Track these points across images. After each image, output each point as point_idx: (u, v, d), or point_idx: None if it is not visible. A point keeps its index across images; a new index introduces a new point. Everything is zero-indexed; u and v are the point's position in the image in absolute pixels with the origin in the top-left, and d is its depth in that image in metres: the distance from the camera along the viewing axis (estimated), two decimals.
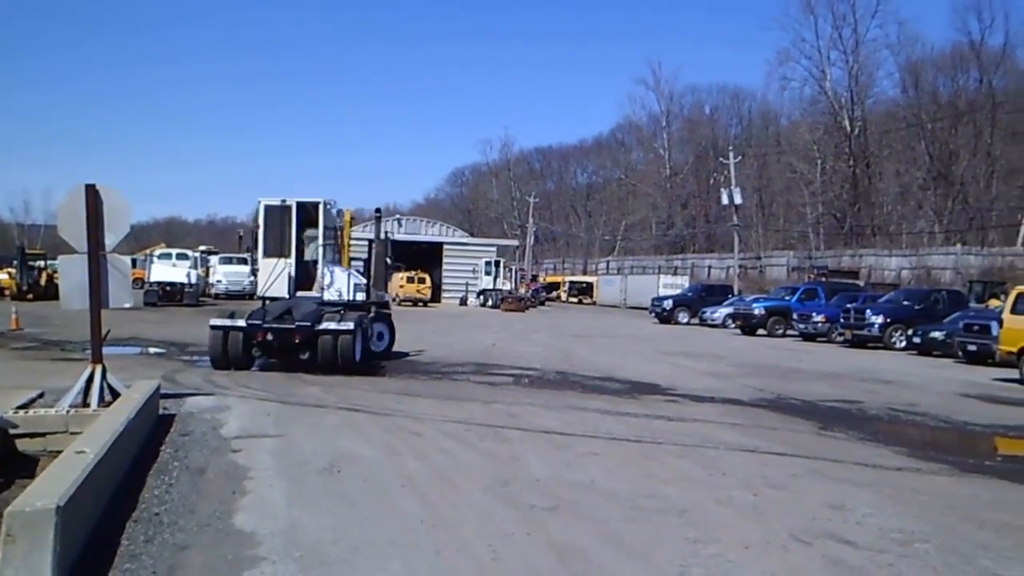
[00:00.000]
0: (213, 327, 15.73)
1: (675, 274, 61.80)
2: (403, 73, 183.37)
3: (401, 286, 49.50)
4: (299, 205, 17.37)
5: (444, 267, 56.04)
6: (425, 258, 54.37)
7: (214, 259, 52.49)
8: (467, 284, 54.56)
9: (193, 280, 39.98)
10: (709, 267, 67.29)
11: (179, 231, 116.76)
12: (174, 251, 45.45)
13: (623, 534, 6.15)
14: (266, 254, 17.48)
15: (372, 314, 18.16)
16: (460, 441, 9.38)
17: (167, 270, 39.90)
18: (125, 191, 10.07)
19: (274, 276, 17.25)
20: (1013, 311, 18.77)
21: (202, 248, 61.58)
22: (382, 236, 20.18)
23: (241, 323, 15.62)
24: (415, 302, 48.99)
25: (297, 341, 15.54)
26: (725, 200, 56.16)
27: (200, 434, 9.12)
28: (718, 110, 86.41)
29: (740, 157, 60.67)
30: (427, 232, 58.39)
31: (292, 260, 17.19)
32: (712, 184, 70.45)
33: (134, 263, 40.47)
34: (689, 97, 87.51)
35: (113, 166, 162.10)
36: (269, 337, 15.62)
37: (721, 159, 61.32)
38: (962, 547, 6.12)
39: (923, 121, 58.37)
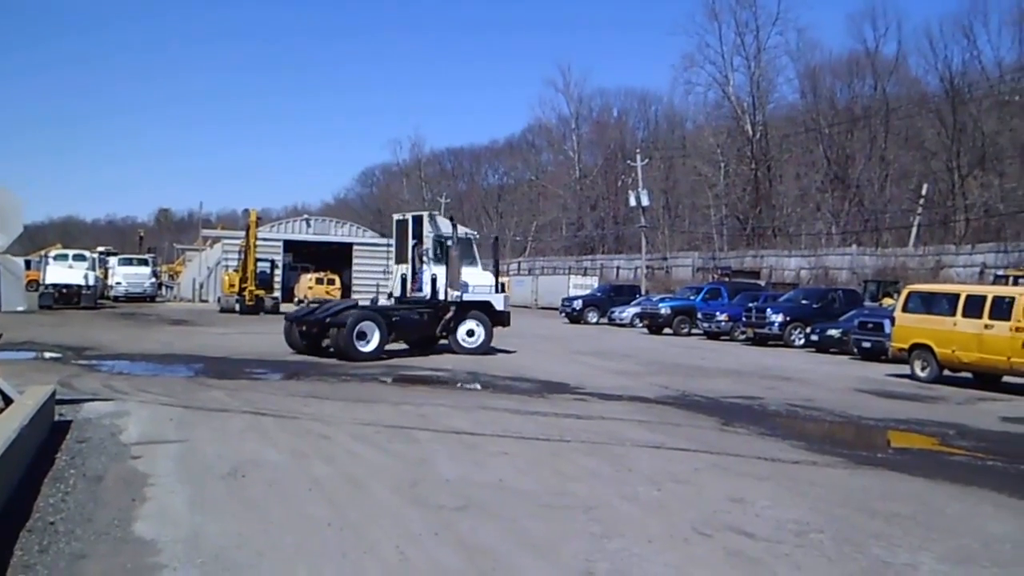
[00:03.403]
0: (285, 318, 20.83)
1: (585, 274, 62.41)
2: (311, 71, 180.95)
3: (310, 287, 48.80)
4: (414, 218, 21.58)
5: (354, 268, 55.35)
6: (335, 259, 53.66)
7: (113, 260, 50.77)
8: (378, 285, 53.94)
9: (91, 282, 38.65)
10: (618, 267, 68.23)
11: (76, 231, 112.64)
12: (71, 252, 43.85)
13: (531, 532, 6.22)
14: (397, 261, 22.08)
15: (450, 313, 20.62)
16: (368, 443, 9.33)
17: (63, 272, 38.50)
18: (17, 189, 9.70)
19: (395, 279, 22.03)
20: (905, 309, 19.56)
21: (100, 249, 59.46)
22: (457, 237, 21.13)
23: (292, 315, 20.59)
24: None
25: (315, 331, 19.35)
26: (633, 202, 57.05)
27: (98, 440, 8.83)
28: (626, 113, 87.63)
29: (647, 160, 61.72)
30: (337, 232, 57.58)
31: (408, 266, 21.45)
32: (620, 186, 71.44)
33: (28, 264, 38.90)
34: (598, 100, 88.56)
35: (5, 164, 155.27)
36: (303, 327, 19.63)
37: (629, 162, 62.25)
38: (855, 536, 6.38)
39: (821, 126, 60.40)
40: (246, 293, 38.37)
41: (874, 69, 61.52)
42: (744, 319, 29.90)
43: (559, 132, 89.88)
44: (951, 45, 58.15)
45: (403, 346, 21.02)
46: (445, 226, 21.40)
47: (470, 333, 20.94)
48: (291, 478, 7.61)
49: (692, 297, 36.21)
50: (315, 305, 21.73)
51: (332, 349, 19.04)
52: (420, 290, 21.15)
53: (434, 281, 20.90)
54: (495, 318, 21.38)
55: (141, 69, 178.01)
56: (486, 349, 20.94)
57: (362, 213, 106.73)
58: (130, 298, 44.86)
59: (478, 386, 15.39)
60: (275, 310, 39.02)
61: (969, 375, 18.30)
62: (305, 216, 64.38)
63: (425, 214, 21.41)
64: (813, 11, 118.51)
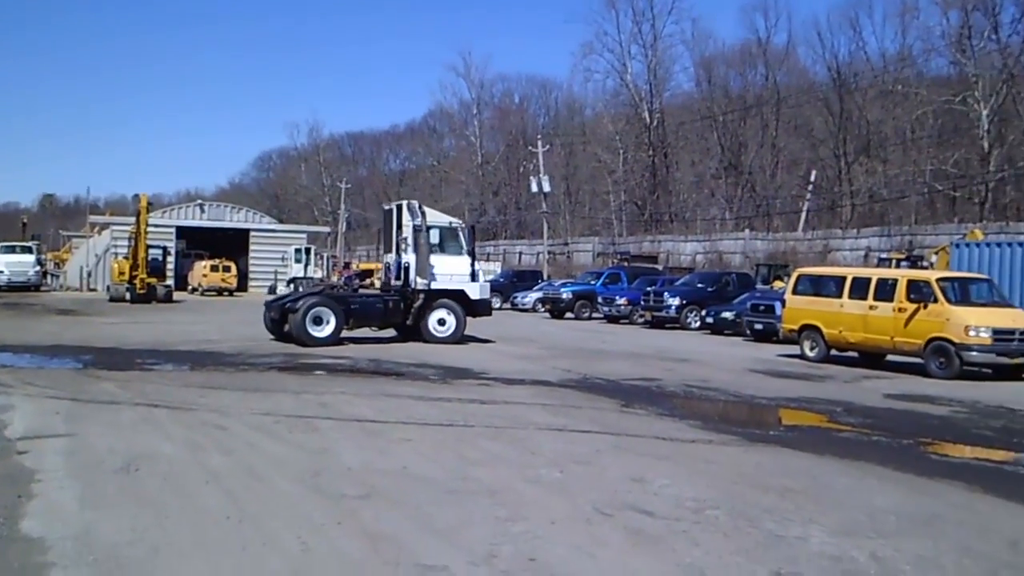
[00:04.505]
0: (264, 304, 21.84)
1: (488, 260, 62.59)
2: (204, 52, 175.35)
3: (204, 275, 47.52)
4: (397, 207, 21.72)
5: (251, 255, 54.14)
6: (231, 245, 52.31)
7: None
8: (276, 272, 52.97)
9: None
10: (520, 253, 68.66)
11: None
12: None
13: (435, 517, 6.22)
14: (385, 250, 22.40)
15: (420, 301, 20.53)
16: (268, 434, 9.15)
17: None
18: None
19: (383, 268, 22.73)
20: (794, 292, 20.26)
21: None
22: (427, 225, 20.84)
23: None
24: (220, 291, 47.10)
25: (279, 317, 19.87)
26: (534, 188, 57.50)
27: None
28: (527, 100, 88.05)
29: (548, 146, 62.20)
30: (232, 218, 56.12)
31: (393, 255, 21.53)
32: (522, 172, 71.82)
33: None
34: (499, 86, 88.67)
35: None
36: (272, 313, 20.31)
37: (530, 148, 62.62)
38: (749, 512, 6.59)
39: (715, 114, 61.96)
40: (137, 281, 37.06)
41: (766, 59, 63.46)
42: (642, 303, 30.50)
43: (461, 117, 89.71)
44: (838, 36, 60.64)
45: (392, 333, 21.39)
46: (431, 215, 21.35)
47: (441, 322, 20.77)
48: (187, 471, 7.40)
49: (593, 282, 36.71)
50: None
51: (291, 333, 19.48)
52: (397, 279, 21.14)
53: (406, 269, 20.79)
54: (470, 307, 21.17)
55: (23, 45, 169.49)
56: (459, 338, 20.74)
57: (259, 198, 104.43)
58: (13, 287, 42.81)
59: (380, 373, 15.26)
60: (168, 298, 37.93)
61: (855, 354, 19.11)
62: (199, 201, 62.60)
63: (404, 203, 21.51)
64: (707, 1, 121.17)
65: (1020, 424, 11.93)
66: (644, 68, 67.48)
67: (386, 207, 23.20)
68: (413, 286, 20.67)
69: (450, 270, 20.96)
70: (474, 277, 21.38)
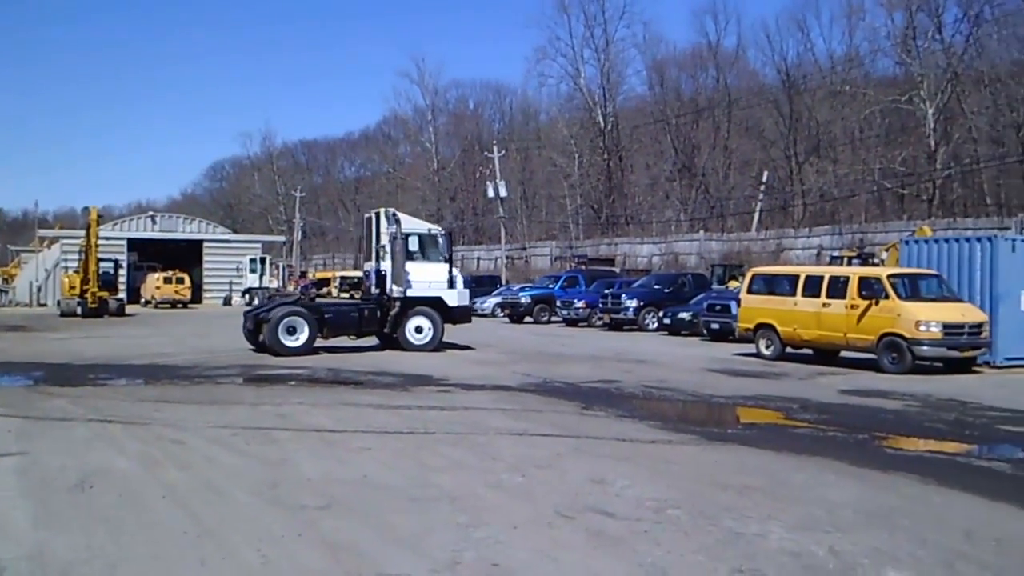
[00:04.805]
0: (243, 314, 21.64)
1: (373, 263, 62.21)
2: (154, 60, 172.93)
3: (157, 287, 46.88)
4: (376, 215, 21.49)
5: (205, 266, 53.39)
6: (184, 257, 51.59)
7: None
8: (231, 283, 52.36)
9: None
10: (478, 258, 68.61)
11: None
12: None
13: (396, 526, 6.18)
14: (365, 258, 22.21)
15: (396, 309, 20.37)
16: (225, 446, 9.03)
17: None
18: None
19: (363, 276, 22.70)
20: (749, 291, 20.50)
21: None
22: (403, 233, 20.58)
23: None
24: (174, 303, 46.46)
25: (254, 327, 19.89)
26: (491, 193, 57.57)
27: None
28: (482, 105, 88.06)
29: (504, 151, 62.31)
30: (185, 229, 55.33)
31: (372, 263, 21.31)
32: (478, 177, 71.85)
33: None
34: (454, 92, 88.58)
35: None
36: (249, 324, 20.23)
37: (486, 153, 62.70)
38: (709, 510, 6.65)
39: (668, 117, 62.51)
40: (88, 295, 36.44)
41: (716, 62, 64.22)
42: (600, 305, 30.66)
43: (416, 124, 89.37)
44: (787, 38, 61.61)
45: (374, 341, 21.41)
46: (407, 222, 21.15)
47: (419, 330, 20.60)
48: (143, 486, 7.28)
49: (551, 285, 36.87)
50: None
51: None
52: (376, 287, 21.02)
53: (383, 277, 20.63)
54: (448, 315, 20.97)
55: None
56: (436, 346, 20.58)
57: (212, 209, 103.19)
58: None
59: (339, 382, 15.13)
60: (120, 312, 37.33)
61: (810, 351, 19.38)
62: (151, 213, 61.71)
63: (383, 211, 21.28)
64: (658, 5, 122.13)
65: (971, 416, 12.18)
66: (597, 72, 67.98)
67: (366, 215, 23.06)
68: (389, 294, 20.53)
69: (427, 277, 20.71)
70: (452, 284, 21.12)
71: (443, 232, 21.89)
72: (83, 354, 19.65)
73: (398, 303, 20.46)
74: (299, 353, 18.98)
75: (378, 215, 21.46)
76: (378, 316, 20.59)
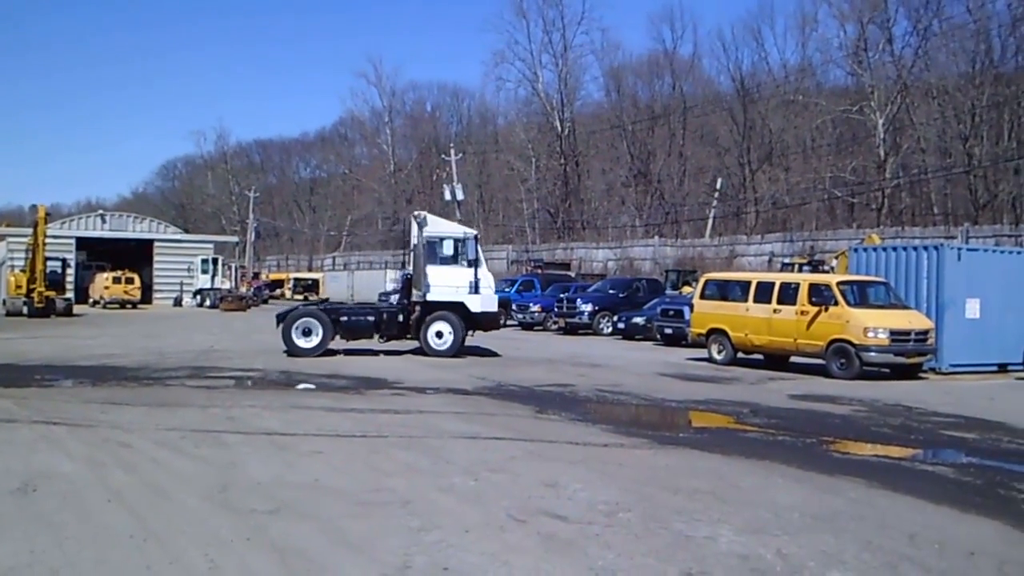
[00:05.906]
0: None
1: (402, 269, 62.13)
2: (105, 56, 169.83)
3: (106, 287, 46.11)
4: (412, 220, 21.32)
5: (155, 266, 52.58)
6: (134, 257, 50.79)
7: None
8: (182, 283, 51.61)
9: None
10: None
11: None
12: None
13: (347, 530, 6.13)
14: (403, 264, 23.05)
15: (416, 313, 20.24)
16: (173, 449, 8.89)
17: None
18: None
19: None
20: (702, 297, 20.74)
21: None
22: (425, 238, 20.41)
23: None
24: (123, 304, 45.69)
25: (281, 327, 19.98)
26: (448, 196, 57.44)
27: None
28: (439, 108, 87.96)
29: (461, 154, 62.26)
30: (135, 229, 54.46)
31: (408, 267, 21.52)
32: (435, 180, 71.62)
33: None
34: (411, 94, 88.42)
35: None
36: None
37: (443, 156, 62.57)
38: (660, 513, 6.70)
39: (624, 123, 62.97)
40: (35, 295, 35.71)
41: (672, 69, 64.82)
42: (556, 310, 30.80)
43: (372, 125, 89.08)
44: (742, 48, 62.52)
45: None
46: (433, 225, 20.89)
47: (439, 335, 20.25)
48: (88, 490, 7.13)
49: (507, 289, 36.81)
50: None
51: None
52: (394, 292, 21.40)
53: (409, 281, 20.62)
54: (472, 320, 20.51)
55: None
56: (456, 352, 20.10)
57: (163, 208, 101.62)
58: None
59: (291, 385, 14.98)
60: (68, 312, 36.63)
61: (760, 357, 19.64)
62: (100, 212, 60.63)
63: (413, 216, 21.32)
64: (616, 12, 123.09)
65: (916, 422, 12.43)
66: (555, 77, 68.24)
67: (404, 218, 23.56)
68: (411, 298, 20.45)
69: (450, 281, 20.23)
70: (476, 289, 20.39)
71: (472, 236, 21.14)
72: (29, 355, 19.22)
73: (419, 307, 20.29)
74: (312, 354, 19.17)
75: (410, 221, 21.63)
76: (399, 320, 20.39)
